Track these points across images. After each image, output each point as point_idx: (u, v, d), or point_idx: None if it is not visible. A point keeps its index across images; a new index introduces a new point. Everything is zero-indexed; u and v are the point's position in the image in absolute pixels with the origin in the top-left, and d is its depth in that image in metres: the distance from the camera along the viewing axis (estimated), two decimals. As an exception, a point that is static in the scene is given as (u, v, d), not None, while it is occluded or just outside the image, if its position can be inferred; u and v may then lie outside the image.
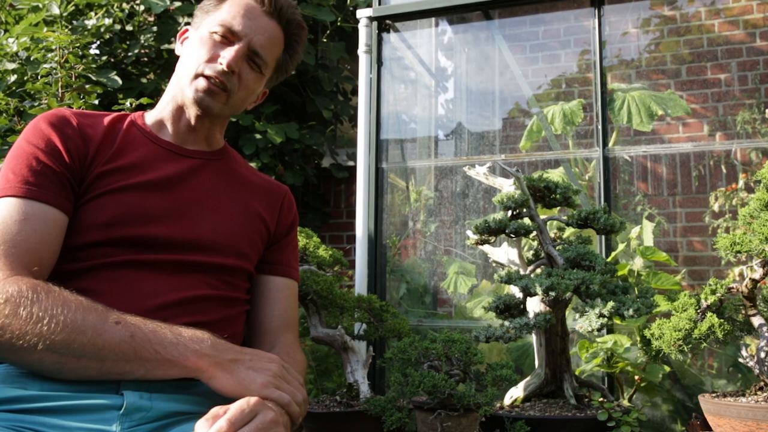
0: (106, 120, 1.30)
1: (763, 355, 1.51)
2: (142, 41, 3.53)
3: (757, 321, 1.56)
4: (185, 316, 1.19)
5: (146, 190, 1.24)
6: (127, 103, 2.82)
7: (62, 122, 1.23)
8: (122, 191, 1.22)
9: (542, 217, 1.87)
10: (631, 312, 1.54)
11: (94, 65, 3.18)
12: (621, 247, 2.54)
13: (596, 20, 2.53)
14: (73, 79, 3.00)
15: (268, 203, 1.42)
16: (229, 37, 1.29)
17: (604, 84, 2.52)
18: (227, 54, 1.27)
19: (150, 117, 1.35)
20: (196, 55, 1.29)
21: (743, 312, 1.60)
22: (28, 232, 1.12)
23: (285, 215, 1.45)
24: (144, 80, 3.60)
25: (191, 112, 1.32)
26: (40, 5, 3.18)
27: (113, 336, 1.03)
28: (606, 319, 1.54)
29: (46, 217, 1.14)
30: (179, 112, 1.33)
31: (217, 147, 1.40)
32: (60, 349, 1.01)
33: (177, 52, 1.37)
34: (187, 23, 3.59)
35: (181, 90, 1.31)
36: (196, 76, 1.28)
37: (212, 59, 1.28)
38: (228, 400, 1.12)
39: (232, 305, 1.31)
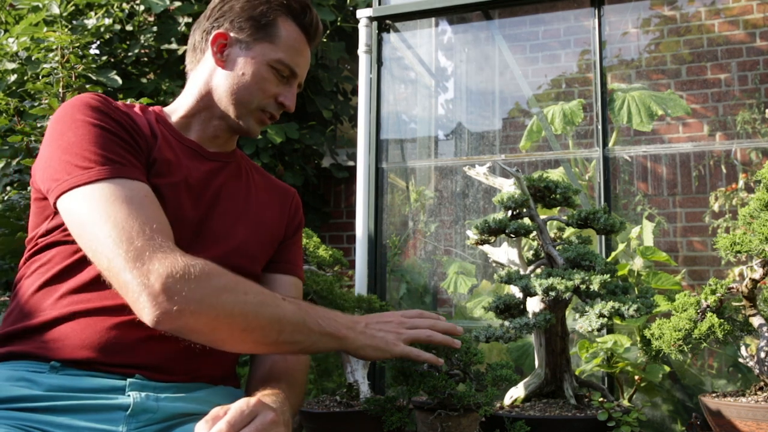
0: (138, 112, 1.29)
1: (763, 355, 1.51)
2: (142, 41, 3.53)
3: (757, 321, 1.56)
4: None
5: (180, 190, 1.25)
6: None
7: (112, 105, 1.21)
8: (164, 188, 1.21)
9: (542, 217, 1.86)
10: (631, 312, 1.54)
11: (94, 65, 3.18)
12: (621, 247, 2.54)
13: (596, 20, 2.53)
14: (74, 79, 3.00)
15: (279, 207, 1.45)
16: (288, 75, 1.34)
17: (604, 84, 2.52)
18: (290, 96, 1.34)
19: (174, 114, 1.34)
20: (258, 87, 1.30)
21: (743, 312, 1.60)
22: (156, 209, 1.12)
23: (293, 217, 1.48)
24: (144, 80, 3.60)
25: (228, 129, 1.34)
26: (40, 5, 3.18)
27: (288, 308, 1.10)
28: (606, 319, 1.54)
29: (152, 194, 1.15)
30: (209, 119, 1.34)
31: (231, 149, 1.41)
32: (251, 316, 1.06)
33: (215, 61, 1.31)
34: (187, 23, 3.59)
35: (226, 107, 1.31)
36: (260, 110, 1.33)
37: (275, 96, 1.33)
38: (228, 402, 1.13)
39: None
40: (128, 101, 2.81)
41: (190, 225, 1.24)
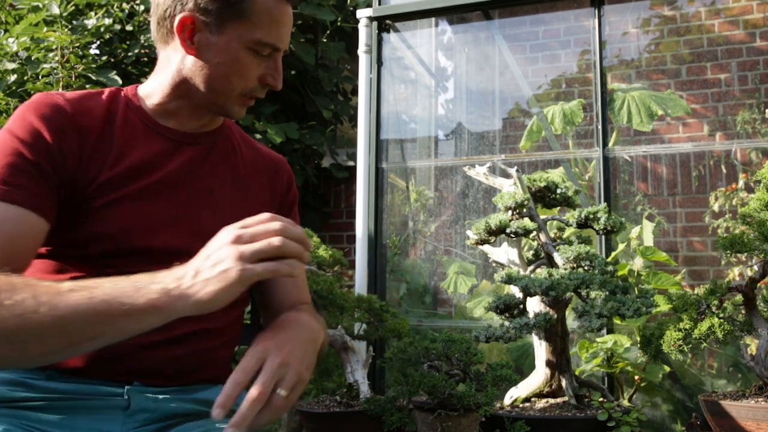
0: (102, 104, 1.17)
1: (763, 355, 1.50)
2: (142, 41, 3.53)
3: (757, 321, 1.56)
4: (192, 324, 1.16)
5: (154, 193, 1.16)
6: (127, 103, 2.81)
7: (55, 113, 1.09)
8: (130, 199, 1.13)
9: (542, 217, 1.86)
10: (631, 312, 1.54)
11: (94, 65, 3.18)
12: (621, 247, 2.54)
13: (596, 20, 2.53)
14: (74, 79, 3.00)
15: (270, 186, 1.35)
16: (269, 53, 1.18)
17: (604, 84, 2.52)
18: (275, 75, 1.19)
19: (149, 99, 1.22)
20: (239, 74, 1.16)
21: (743, 312, 1.60)
22: None
23: (286, 195, 1.38)
24: (144, 80, 3.59)
25: (209, 112, 1.23)
26: (40, 5, 3.18)
27: (69, 303, 0.90)
28: (606, 319, 1.54)
29: (21, 222, 1.03)
30: (188, 106, 1.21)
31: (217, 125, 1.29)
32: (16, 333, 0.88)
33: (185, 49, 1.17)
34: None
35: (205, 96, 1.18)
36: (244, 95, 1.19)
37: (258, 78, 1.18)
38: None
39: (234, 308, 1.29)
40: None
41: (170, 229, 1.17)
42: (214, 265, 0.92)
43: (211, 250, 0.94)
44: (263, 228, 0.93)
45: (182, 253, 1.17)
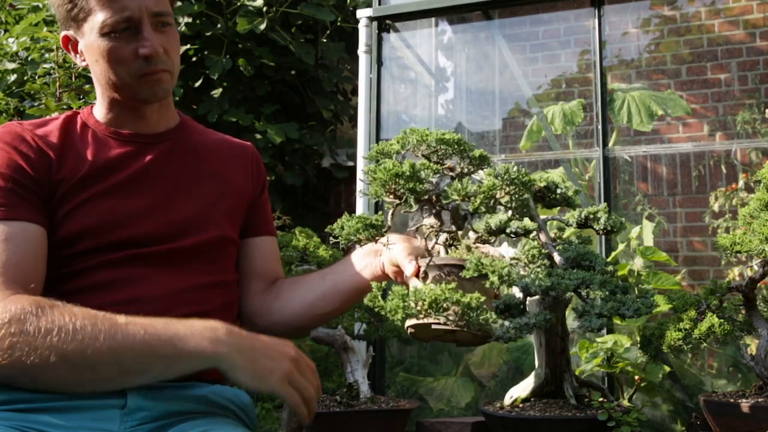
0: (57, 125, 1.26)
1: (763, 355, 1.50)
2: (142, 41, 3.53)
3: (757, 321, 1.56)
4: (185, 306, 1.19)
5: (122, 190, 1.23)
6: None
7: (17, 139, 1.19)
8: (102, 196, 1.20)
9: (542, 217, 1.86)
10: (631, 312, 1.54)
11: (93, 65, 3.18)
12: (621, 247, 2.54)
13: (596, 20, 2.53)
14: (73, 79, 3.00)
15: (239, 166, 1.40)
16: (127, 26, 1.19)
17: (604, 84, 2.52)
18: (145, 44, 1.18)
19: (100, 115, 1.30)
20: (112, 61, 1.21)
21: (743, 312, 1.60)
22: (13, 251, 1.10)
23: (257, 174, 1.44)
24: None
25: (145, 105, 1.27)
26: (40, 5, 3.18)
27: (126, 336, 1.01)
28: (606, 319, 1.54)
29: (27, 234, 1.13)
30: (128, 110, 1.28)
31: (174, 123, 1.35)
32: (74, 358, 0.99)
33: (79, 63, 1.30)
34: (188, 23, 3.59)
35: (115, 94, 1.25)
36: (136, 77, 1.21)
37: (135, 58, 1.19)
38: (227, 401, 1.13)
39: (228, 291, 1.31)
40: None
41: (148, 218, 1.23)
42: (267, 357, 1.06)
43: (276, 346, 1.09)
44: (311, 372, 1.11)
45: (161, 236, 1.23)
